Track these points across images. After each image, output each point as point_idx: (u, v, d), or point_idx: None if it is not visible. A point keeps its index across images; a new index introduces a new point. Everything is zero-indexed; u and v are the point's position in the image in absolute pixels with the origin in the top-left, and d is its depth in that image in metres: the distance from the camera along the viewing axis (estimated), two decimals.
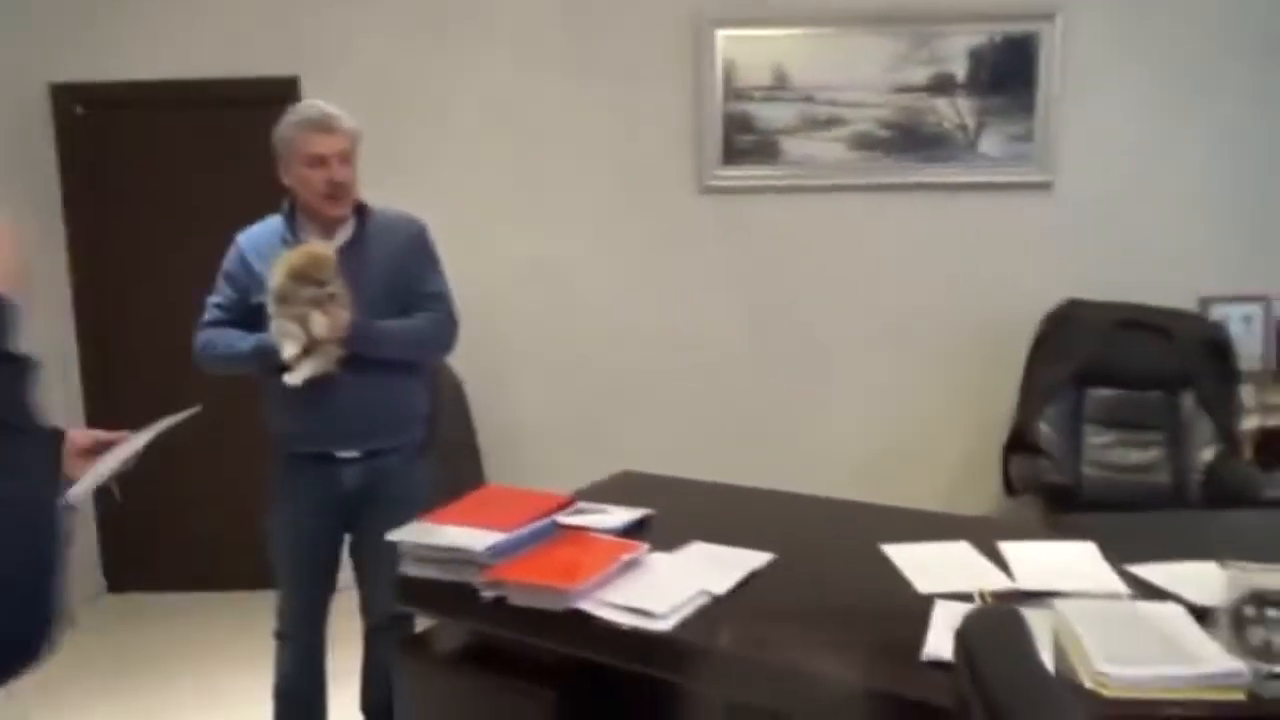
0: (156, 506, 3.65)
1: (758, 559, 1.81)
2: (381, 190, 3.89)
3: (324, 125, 2.34)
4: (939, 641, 1.42)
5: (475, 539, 1.66)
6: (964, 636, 1.04)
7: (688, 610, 1.59)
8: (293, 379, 2.24)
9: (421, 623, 2.24)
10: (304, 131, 2.33)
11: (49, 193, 3.96)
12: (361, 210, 2.45)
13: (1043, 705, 0.92)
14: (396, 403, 2.45)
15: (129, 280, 4.04)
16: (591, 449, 3.84)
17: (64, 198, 4.00)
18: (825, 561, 1.89)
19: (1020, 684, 0.94)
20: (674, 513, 2.11)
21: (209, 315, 2.43)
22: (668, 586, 1.65)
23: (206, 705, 3.13)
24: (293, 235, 2.39)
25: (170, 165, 3.98)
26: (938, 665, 1.38)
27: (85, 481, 1.50)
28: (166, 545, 4.08)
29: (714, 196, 3.76)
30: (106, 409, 3.93)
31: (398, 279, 2.42)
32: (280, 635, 2.51)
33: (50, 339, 3.91)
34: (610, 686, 1.66)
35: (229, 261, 2.43)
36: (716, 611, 1.61)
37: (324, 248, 2.29)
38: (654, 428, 3.89)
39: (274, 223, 2.44)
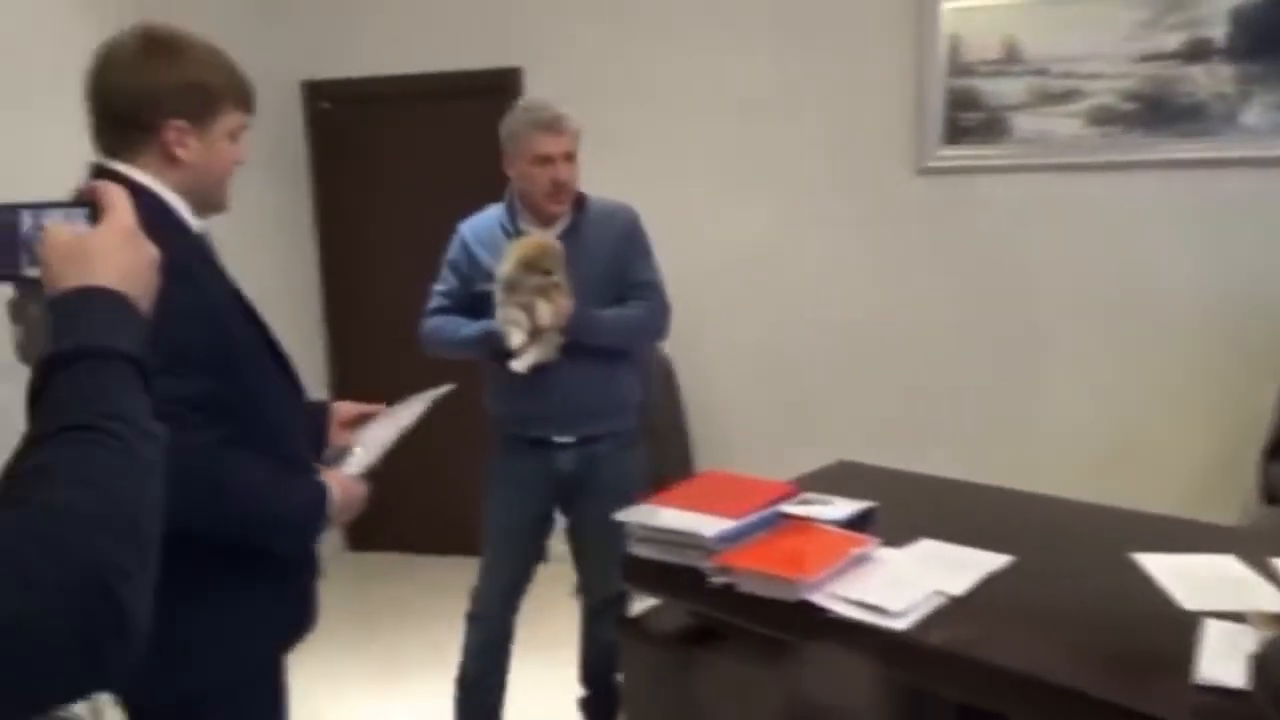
0: (395, 471, 3.92)
1: (995, 560, 1.73)
2: (597, 176, 3.99)
3: (553, 126, 2.39)
4: (1215, 665, 1.30)
5: (704, 524, 1.68)
6: (1271, 666, 0.94)
7: (924, 609, 1.53)
8: (519, 365, 2.30)
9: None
10: (533, 131, 2.38)
11: (299, 182, 4.32)
12: (579, 200, 2.49)
13: None
14: (611, 389, 2.48)
15: (370, 264, 4.34)
16: (799, 436, 3.80)
17: (312, 187, 4.35)
18: (1070, 567, 1.77)
19: None
20: (897, 506, 2.04)
21: (434, 302, 2.53)
22: (901, 584, 1.60)
23: (431, 662, 3.34)
24: (512, 224, 2.45)
25: (406, 155, 4.24)
26: (1213, 690, 1.26)
27: (364, 456, 1.62)
28: (402, 509, 4.37)
29: (933, 178, 3.59)
30: (350, 385, 4.25)
31: (614, 268, 2.45)
32: (474, 616, 2.57)
33: (298, 319, 4.28)
34: None
35: (452, 250, 2.53)
36: (954, 612, 1.55)
37: (551, 239, 2.34)
38: (863, 416, 3.79)
39: (494, 211, 2.51)
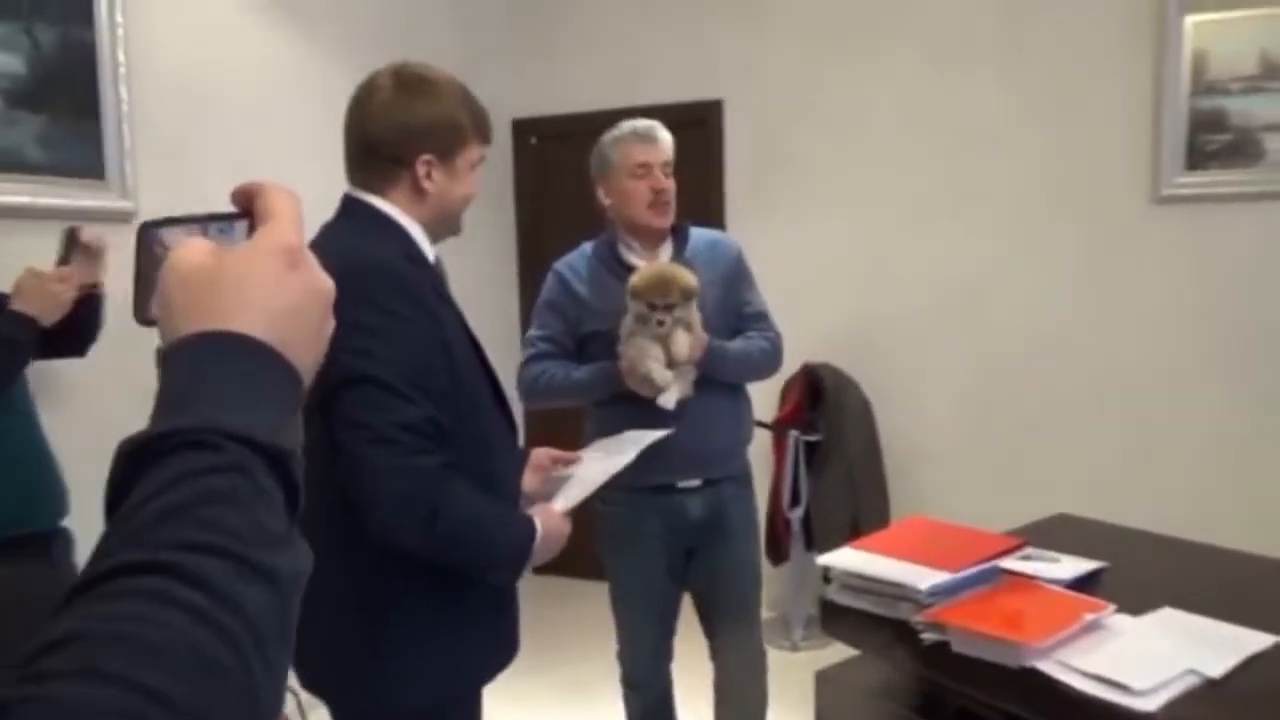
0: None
1: (1257, 639, 1.50)
2: (793, 206, 3.93)
3: (648, 136, 2.31)
4: None
5: (917, 576, 1.56)
6: None
7: (1174, 690, 1.35)
8: (667, 401, 2.16)
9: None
10: (628, 143, 2.31)
11: (506, 212, 4.51)
12: (680, 230, 2.39)
13: None
14: (730, 426, 2.36)
15: None
16: (1006, 484, 3.55)
17: (517, 216, 4.53)
18: None
19: None
20: (1130, 569, 1.83)
21: (534, 349, 2.36)
22: (1144, 657, 1.42)
23: (612, 689, 3.34)
24: (613, 257, 2.35)
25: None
26: None
27: (573, 494, 1.63)
28: (578, 535, 4.44)
29: (1172, 207, 3.29)
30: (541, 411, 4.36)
31: (728, 300, 2.34)
32: (629, 683, 2.48)
33: (497, 342, 4.44)
34: None
35: (551, 292, 2.39)
36: (1211, 697, 1.35)
37: (676, 267, 2.23)
38: (1084, 467, 3.49)
39: (589, 247, 2.42)
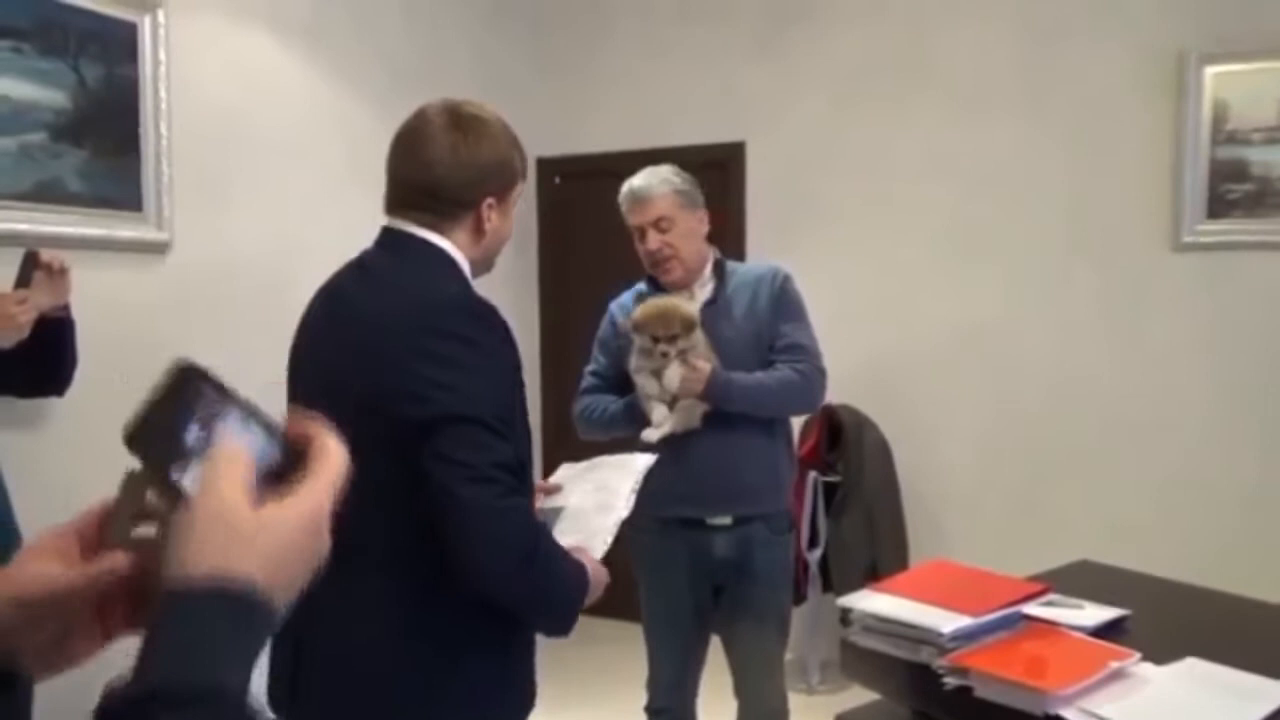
0: None
1: None
2: (813, 248, 3.96)
3: (633, 197, 2.38)
4: None
5: (939, 619, 1.55)
6: None
7: None
8: (647, 436, 2.19)
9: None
10: (624, 205, 2.41)
11: (529, 250, 4.56)
12: (718, 266, 2.42)
13: None
14: (761, 466, 2.34)
15: (587, 328, 4.50)
16: (1026, 528, 3.53)
17: (539, 256, 4.58)
18: None
19: None
20: (1153, 616, 1.82)
21: (586, 383, 2.47)
22: (1168, 707, 1.41)
23: None
24: (653, 295, 2.40)
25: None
26: None
27: (602, 538, 1.61)
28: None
29: (1194, 255, 3.30)
30: (562, 444, 4.37)
31: (758, 332, 2.34)
32: (654, 710, 2.47)
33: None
34: None
35: (602, 329, 2.49)
36: None
37: (677, 301, 2.27)
38: (1103, 512, 3.47)
39: (640, 287, 2.48)
